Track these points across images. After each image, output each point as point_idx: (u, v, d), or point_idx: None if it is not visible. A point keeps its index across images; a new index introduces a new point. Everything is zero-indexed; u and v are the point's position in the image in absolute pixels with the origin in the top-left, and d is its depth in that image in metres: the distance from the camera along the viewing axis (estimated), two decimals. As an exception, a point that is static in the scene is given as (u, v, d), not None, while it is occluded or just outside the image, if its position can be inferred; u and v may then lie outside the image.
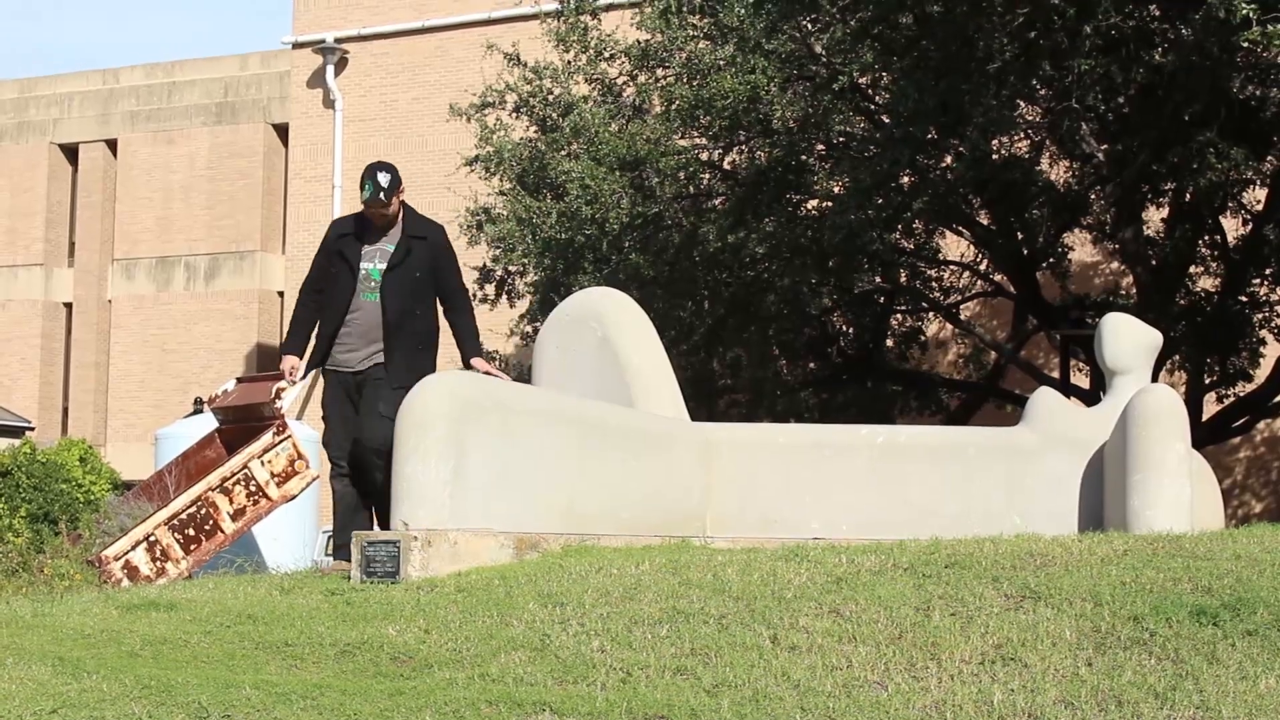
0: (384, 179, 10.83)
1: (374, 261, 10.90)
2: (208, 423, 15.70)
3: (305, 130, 35.33)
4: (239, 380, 15.18)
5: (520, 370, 24.35)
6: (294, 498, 14.18)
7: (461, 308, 11.16)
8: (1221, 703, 6.16)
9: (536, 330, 11.72)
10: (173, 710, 6.41)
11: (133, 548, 13.29)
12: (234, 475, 13.49)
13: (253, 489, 13.58)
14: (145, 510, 13.94)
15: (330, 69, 34.83)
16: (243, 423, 14.37)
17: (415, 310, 10.91)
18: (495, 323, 28.51)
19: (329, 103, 35.03)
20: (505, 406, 9.73)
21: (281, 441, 13.72)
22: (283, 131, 37.02)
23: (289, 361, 11.33)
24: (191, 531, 13.36)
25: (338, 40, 34.81)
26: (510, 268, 25.82)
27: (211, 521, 13.37)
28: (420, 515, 9.22)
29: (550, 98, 25.29)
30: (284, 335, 11.13)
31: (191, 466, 14.55)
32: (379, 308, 10.87)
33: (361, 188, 10.87)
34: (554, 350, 11.47)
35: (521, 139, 25.37)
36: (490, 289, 26.42)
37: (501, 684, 6.67)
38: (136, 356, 37.95)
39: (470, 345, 11.06)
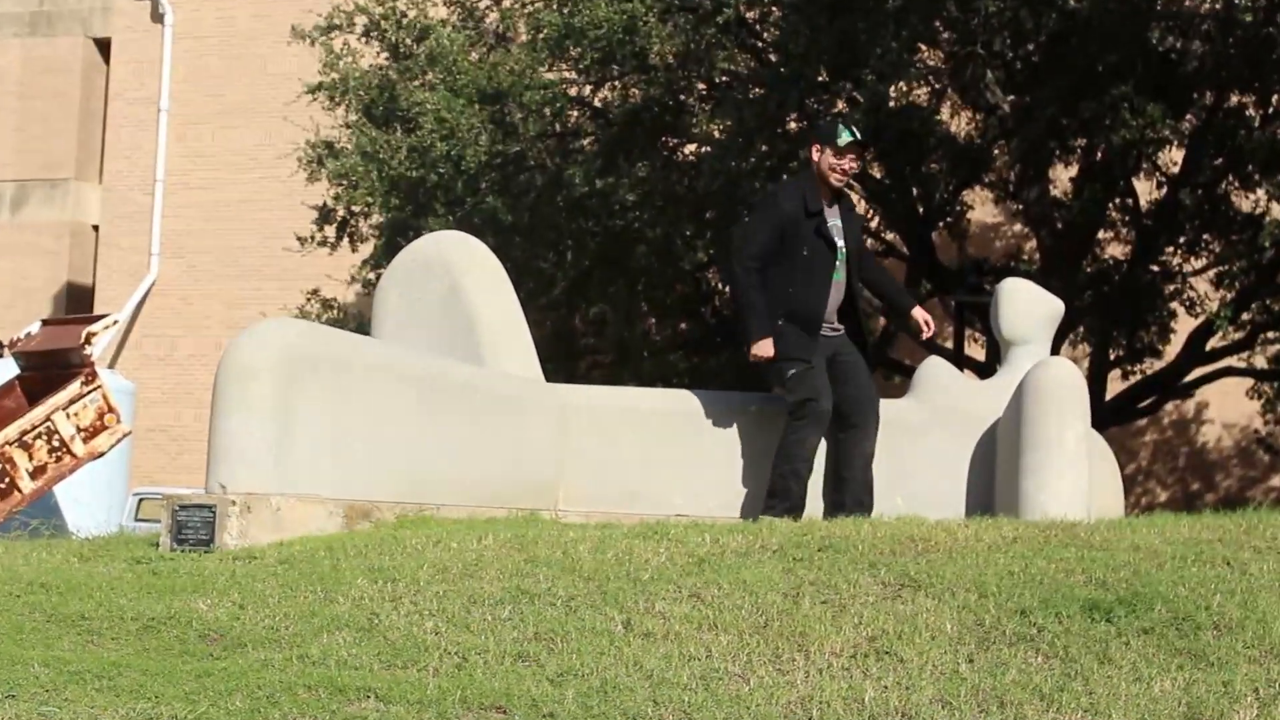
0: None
1: (838, 238, 10.58)
2: (8, 369, 15.48)
3: (130, 46, 34.88)
4: (45, 323, 14.97)
5: (360, 321, 24.23)
6: (102, 455, 14.01)
7: (879, 266, 11.69)
8: (1112, 706, 6.21)
9: (380, 277, 11.62)
10: (-50, 688, 6.32)
11: (-83, 506, 13.08)
12: (35, 428, 13.30)
13: (55, 444, 13.40)
14: (-67, 465, 13.73)
15: (160, -22, 34.46)
16: (47, 370, 14.18)
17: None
18: (334, 268, 28.35)
19: (158, 16, 34.60)
20: (340, 360, 9.65)
21: (90, 392, 13.55)
22: (104, 47, 36.48)
23: (767, 345, 10.40)
24: (-16, 490, 13.16)
25: (169, -54, 34.44)
26: (353, 208, 25.68)
27: (8, 479, 13.17)
28: (240, 477, 9.12)
29: (404, 21, 25.13)
30: (749, 320, 10.42)
31: (-13, 417, 14.35)
32: (844, 289, 10.64)
33: (836, 134, 10.50)
34: (397, 300, 11.39)
35: (371, 66, 25.20)
36: (330, 231, 26.27)
37: (323, 667, 6.63)
38: (-68, 293, 37.40)
39: (907, 295, 11.92)
